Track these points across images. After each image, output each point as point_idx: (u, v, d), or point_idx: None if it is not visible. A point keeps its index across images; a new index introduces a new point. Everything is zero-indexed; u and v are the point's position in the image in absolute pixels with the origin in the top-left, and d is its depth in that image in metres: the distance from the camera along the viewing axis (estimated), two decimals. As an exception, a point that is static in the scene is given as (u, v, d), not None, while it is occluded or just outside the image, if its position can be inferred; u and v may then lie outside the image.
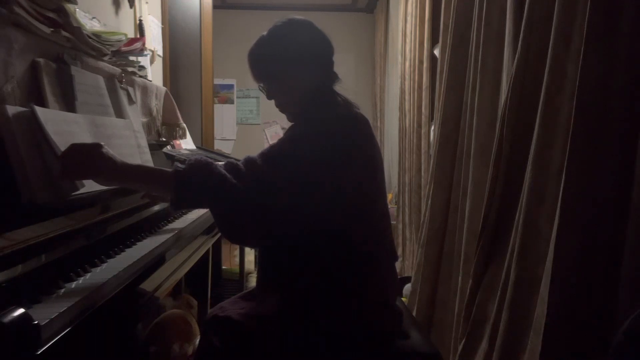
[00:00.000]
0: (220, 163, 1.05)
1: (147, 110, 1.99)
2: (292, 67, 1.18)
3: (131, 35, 2.13)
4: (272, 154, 1.06)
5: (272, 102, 1.25)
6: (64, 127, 1.13)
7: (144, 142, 1.60)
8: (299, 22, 1.21)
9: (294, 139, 1.09)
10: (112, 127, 1.39)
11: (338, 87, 1.24)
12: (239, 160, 1.08)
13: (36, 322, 0.70)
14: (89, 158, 1.01)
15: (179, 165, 1.02)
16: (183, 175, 1.00)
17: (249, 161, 1.05)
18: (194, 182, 1.00)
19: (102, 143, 1.04)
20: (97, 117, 1.33)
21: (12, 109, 0.99)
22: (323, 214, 1.09)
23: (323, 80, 1.21)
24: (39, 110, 1.05)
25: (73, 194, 1.07)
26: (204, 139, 3.23)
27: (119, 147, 1.38)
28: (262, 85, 1.23)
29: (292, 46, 1.18)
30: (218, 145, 4.87)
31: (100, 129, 1.30)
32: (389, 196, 4.10)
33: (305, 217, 1.07)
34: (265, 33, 1.21)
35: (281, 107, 1.24)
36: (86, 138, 1.22)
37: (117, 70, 1.65)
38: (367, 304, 1.14)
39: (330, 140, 1.08)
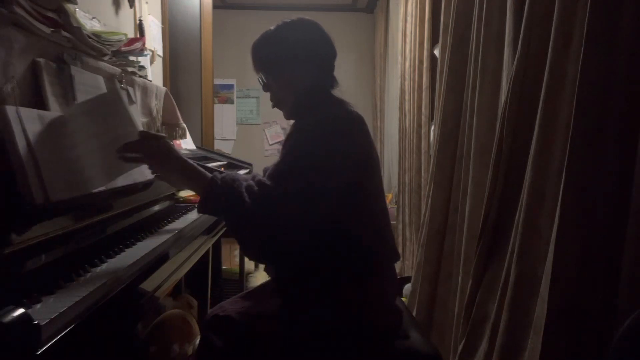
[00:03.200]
0: (245, 181, 1.11)
1: (147, 110, 1.98)
2: (292, 64, 1.20)
3: (131, 35, 2.13)
4: (277, 172, 1.08)
5: (270, 99, 1.26)
6: (64, 129, 1.13)
7: (144, 142, 1.60)
8: (306, 22, 1.23)
9: (294, 150, 1.10)
10: (116, 126, 1.38)
11: (338, 89, 1.25)
12: (238, 161, 1.10)
13: (36, 322, 0.70)
14: (159, 148, 1.12)
15: (217, 175, 1.09)
16: (213, 186, 1.07)
17: (260, 182, 1.08)
18: (219, 194, 1.06)
19: (165, 134, 1.14)
20: (99, 117, 1.32)
21: (12, 109, 0.99)
22: (327, 216, 1.09)
23: (320, 82, 1.22)
24: (36, 112, 1.05)
25: (73, 194, 1.07)
26: (204, 139, 3.23)
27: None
28: (260, 76, 1.25)
29: (294, 43, 1.20)
30: (218, 145, 4.87)
31: (104, 128, 1.30)
32: (389, 196, 4.10)
33: (312, 225, 1.07)
34: (272, 27, 1.23)
35: (276, 101, 1.27)
36: (86, 138, 1.22)
37: (117, 70, 1.65)
38: (367, 304, 1.14)
39: (327, 140, 1.08)
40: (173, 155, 1.13)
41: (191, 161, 1.14)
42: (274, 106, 1.29)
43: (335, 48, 1.25)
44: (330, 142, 1.08)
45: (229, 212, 1.06)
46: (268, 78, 1.24)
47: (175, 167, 1.13)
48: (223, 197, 1.05)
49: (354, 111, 1.18)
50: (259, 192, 1.05)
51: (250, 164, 2.75)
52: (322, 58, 1.23)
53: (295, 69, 1.20)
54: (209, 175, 1.10)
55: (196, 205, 1.15)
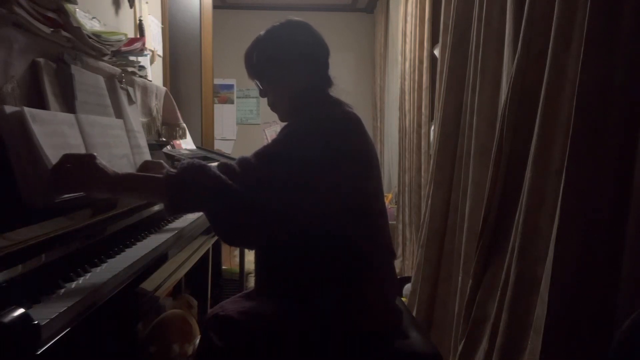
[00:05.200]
0: (214, 164, 1.04)
1: (147, 110, 1.98)
2: (285, 67, 1.20)
3: (131, 35, 2.13)
4: (266, 153, 1.07)
5: (268, 104, 1.27)
6: (54, 128, 1.13)
7: (143, 142, 1.60)
8: (295, 24, 1.22)
9: (287, 138, 1.10)
10: (105, 126, 1.37)
11: (335, 89, 1.25)
12: (234, 160, 1.08)
13: (36, 322, 0.70)
14: (82, 171, 0.99)
15: (171, 169, 1.01)
16: (175, 179, 1.00)
17: (243, 161, 1.05)
18: (187, 185, 0.99)
19: (95, 154, 1.03)
20: (89, 116, 1.31)
21: (12, 110, 0.99)
22: (319, 213, 1.09)
23: (315, 82, 1.22)
24: (28, 112, 1.04)
25: (72, 195, 1.07)
26: (204, 139, 3.23)
27: (111, 146, 1.37)
28: (256, 82, 1.26)
29: (285, 46, 1.20)
30: (218, 145, 4.87)
31: (93, 128, 1.29)
32: (389, 196, 4.10)
33: (301, 216, 1.07)
34: (262, 32, 1.23)
35: (272, 105, 1.27)
36: (77, 138, 1.21)
37: (117, 70, 1.65)
38: (367, 304, 1.14)
39: (322, 138, 1.08)
40: (106, 174, 0.99)
41: (127, 173, 1.03)
42: (272, 109, 1.29)
43: (328, 46, 1.24)
44: (324, 140, 1.08)
45: (211, 200, 0.99)
46: (263, 83, 1.24)
47: (115, 187, 1.01)
48: (195, 187, 0.98)
49: (351, 111, 1.18)
50: (242, 172, 1.02)
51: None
52: (314, 58, 1.22)
53: (288, 72, 1.20)
54: (158, 175, 1.02)
55: None
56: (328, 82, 1.24)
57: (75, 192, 1.02)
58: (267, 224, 1.04)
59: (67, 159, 1.00)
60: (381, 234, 1.20)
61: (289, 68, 1.19)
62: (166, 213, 1.02)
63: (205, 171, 1.00)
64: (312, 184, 1.06)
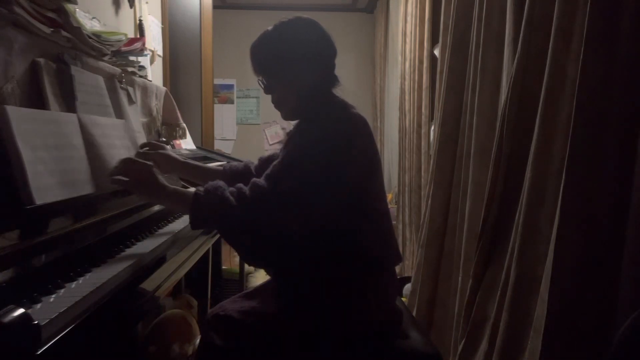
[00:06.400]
0: (236, 187, 1.11)
1: (147, 110, 1.98)
2: (292, 64, 1.18)
3: (131, 35, 2.13)
4: (274, 173, 1.08)
5: (272, 101, 1.26)
6: (52, 128, 1.13)
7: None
8: (304, 21, 1.21)
9: (295, 151, 1.10)
10: (105, 126, 1.37)
11: (337, 89, 1.24)
12: (241, 162, 1.11)
13: (36, 322, 0.70)
14: (143, 175, 1.13)
15: (200, 189, 1.08)
16: (198, 199, 1.07)
17: (254, 183, 1.07)
18: (204, 206, 1.06)
19: (152, 164, 1.17)
20: (91, 116, 1.31)
21: (12, 109, 0.99)
22: (329, 218, 1.10)
23: (322, 81, 1.21)
24: (36, 112, 1.04)
25: (72, 195, 1.07)
26: (204, 139, 3.23)
27: (111, 147, 1.37)
28: (261, 79, 1.23)
29: (294, 43, 1.18)
30: (218, 145, 4.87)
31: (93, 128, 1.29)
32: (389, 196, 4.11)
33: (310, 222, 1.07)
34: (270, 28, 1.21)
35: (277, 103, 1.24)
36: (77, 138, 1.21)
37: (117, 70, 1.65)
38: (367, 304, 1.14)
39: (330, 143, 1.08)
40: (155, 183, 1.12)
41: (172, 186, 1.13)
42: (276, 106, 1.27)
43: (335, 45, 1.24)
44: (332, 144, 1.08)
45: (217, 219, 1.05)
46: (269, 80, 1.22)
47: (158, 195, 1.13)
48: (208, 207, 1.05)
49: (357, 113, 1.17)
50: (251, 194, 1.04)
51: (250, 164, 2.75)
52: (323, 56, 1.21)
53: (296, 69, 1.18)
54: (190, 192, 1.10)
55: None
56: (334, 81, 1.23)
57: (130, 189, 1.16)
58: (275, 243, 1.06)
59: (130, 161, 1.16)
60: (387, 235, 1.20)
61: (297, 65, 1.17)
62: (192, 227, 1.10)
63: (217, 193, 1.06)
64: (321, 189, 1.06)
